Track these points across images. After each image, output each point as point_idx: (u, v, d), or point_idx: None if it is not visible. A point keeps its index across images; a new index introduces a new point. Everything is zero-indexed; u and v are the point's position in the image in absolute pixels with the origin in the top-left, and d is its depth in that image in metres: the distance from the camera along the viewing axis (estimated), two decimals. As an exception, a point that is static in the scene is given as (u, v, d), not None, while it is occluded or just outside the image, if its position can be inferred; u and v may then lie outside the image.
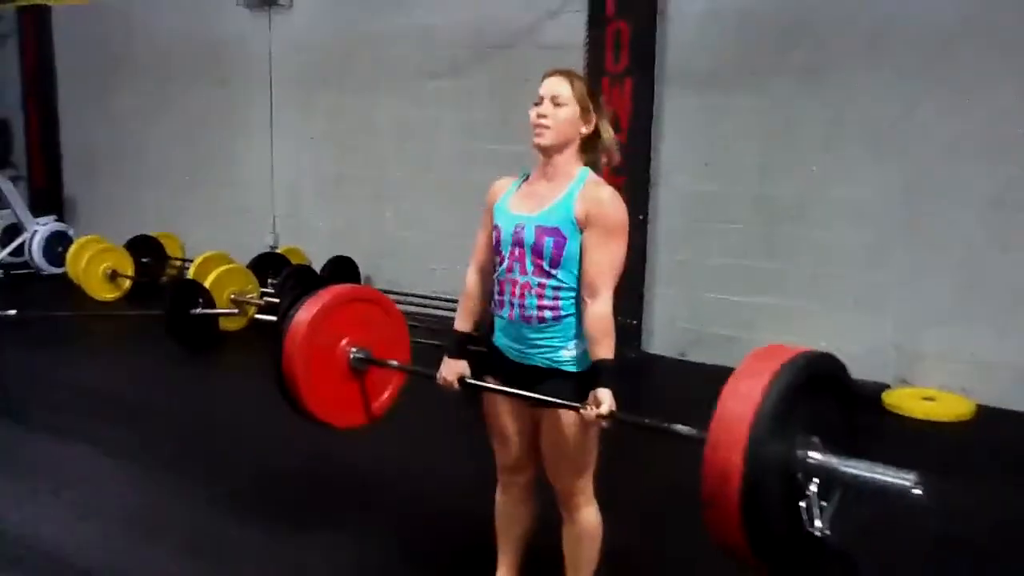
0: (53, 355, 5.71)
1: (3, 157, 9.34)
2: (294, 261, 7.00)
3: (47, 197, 9.44)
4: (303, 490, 3.53)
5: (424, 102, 6.76)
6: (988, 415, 4.55)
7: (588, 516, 2.30)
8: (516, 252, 2.14)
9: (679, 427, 1.91)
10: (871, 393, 4.66)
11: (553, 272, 2.10)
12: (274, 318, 5.57)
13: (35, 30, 9.32)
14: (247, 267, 6.48)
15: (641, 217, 5.48)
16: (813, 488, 1.69)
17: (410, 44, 6.75)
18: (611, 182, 2.17)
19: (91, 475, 3.68)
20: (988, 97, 4.58)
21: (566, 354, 2.14)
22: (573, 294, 2.11)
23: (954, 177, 4.70)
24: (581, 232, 2.08)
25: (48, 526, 3.16)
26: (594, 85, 2.29)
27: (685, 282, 5.66)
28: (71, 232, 8.55)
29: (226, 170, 8.18)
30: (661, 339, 5.78)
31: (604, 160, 2.21)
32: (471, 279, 2.35)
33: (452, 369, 2.32)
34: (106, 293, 7.39)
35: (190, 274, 6.55)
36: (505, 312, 2.19)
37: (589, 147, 2.18)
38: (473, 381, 2.31)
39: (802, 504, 1.68)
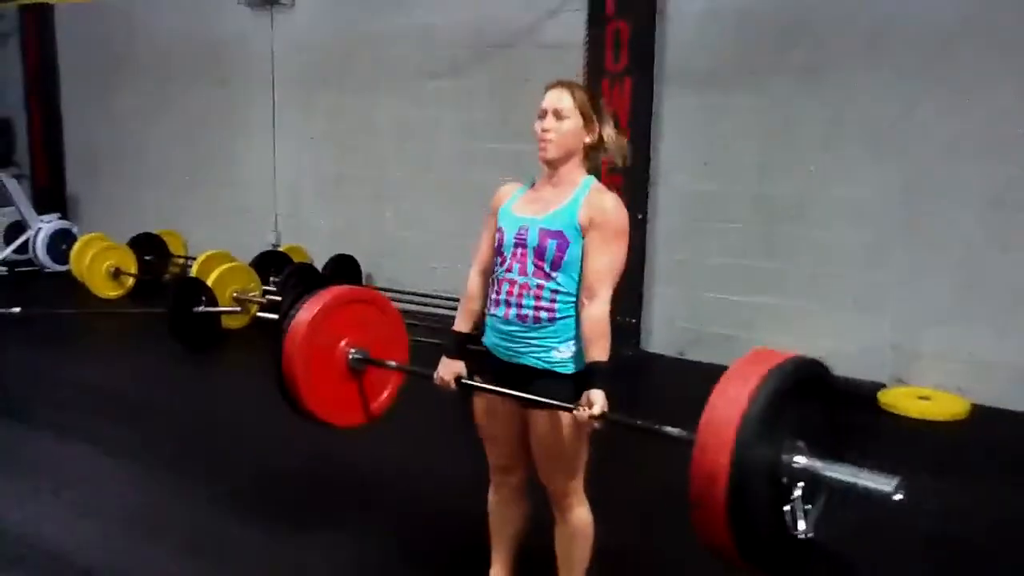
0: (56, 353, 5.75)
1: (6, 155, 9.39)
2: (296, 259, 7.00)
3: (50, 195, 9.47)
4: (303, 490, 3.55)
5: (424, 102, 6.78)
6: (983, 414, 4.56)
7: (580, 516, 2.32)
8: (518, 253, 2.17)
9: (669, 429, 1.93)
10: (867, 392, 4.67)
11: (553, 275, 2.13)
12: (276, 316, 5.58)
13: (37, 29, 9.34)
14: (249, 265, 6.51)
15: (640, 216, 5.50)
16: (798, 492, 1.71)
17: (410, 44, 6.77)
18: (609, 181, 2.21)
19: (92, 474, 3.71)
20: (987, 97, 4.58)
21: (558, 355, 2.16)
22: (571, 298, 2.14)
23: (953, 177, 4.70)
24: (583, 237, 2.12)
25: (49, 525, 3.18)
26: (595, 90, 2.32)
27: (684, 281, 5.67)
28: (75, 230, 8.58)
29: (228, 169, 8.21)
30: (660, 338, 5.80)
31: (615, 159, 2.25)
32: (473, 281, 2.37)
33: (449, 369, 2.34)
34: (109, 291, 7.42)
35: (193, 272, 6.58)
36: (500, 311, 2.21)
37: (593, 154, 2.23)
38: (469, 381, 2.33)
39: (787, 508, 1.71)
